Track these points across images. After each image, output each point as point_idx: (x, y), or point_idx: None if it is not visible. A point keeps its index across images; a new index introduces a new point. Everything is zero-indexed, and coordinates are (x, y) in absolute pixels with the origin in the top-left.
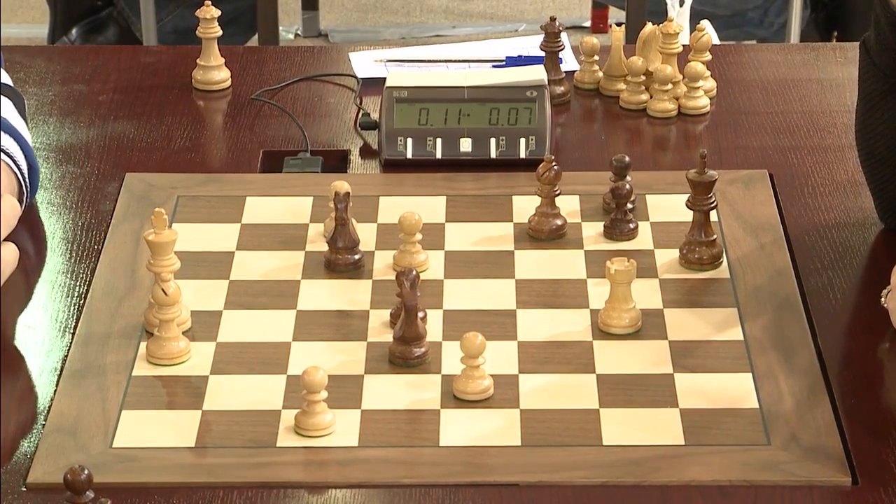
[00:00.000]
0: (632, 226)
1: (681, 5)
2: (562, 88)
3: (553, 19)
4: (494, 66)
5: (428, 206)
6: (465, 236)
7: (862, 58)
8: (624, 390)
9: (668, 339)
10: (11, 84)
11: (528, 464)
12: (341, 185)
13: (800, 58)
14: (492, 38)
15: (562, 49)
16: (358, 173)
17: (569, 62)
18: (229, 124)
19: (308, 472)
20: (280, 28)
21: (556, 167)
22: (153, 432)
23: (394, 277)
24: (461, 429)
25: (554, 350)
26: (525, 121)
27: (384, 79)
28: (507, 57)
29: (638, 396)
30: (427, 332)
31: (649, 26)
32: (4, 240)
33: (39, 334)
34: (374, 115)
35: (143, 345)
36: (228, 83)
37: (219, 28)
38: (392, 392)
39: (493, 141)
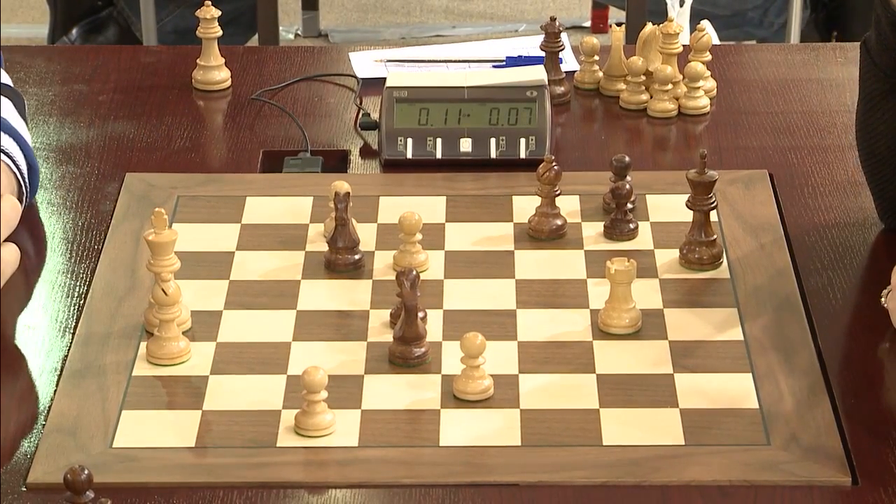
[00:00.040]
0: (632, 226)
1: (681, 5)
2: (562, 88)
3: (553, 19)
4: (494, 67)
5: (428, 206)
6: (465, 236)
7: (862, 58)
8: (624, 390)
9: (669, 339)
10: (11, 84)
11: (528, 464)
12: (341, 185)
13: (800, 58)
14: (492, 38)
15: (562, 49)
16: (358, 173)
17: (569, 62)
18: (229, 124)
19: (308, 472)
20: (280, 28)
21: (556, 167)
22: (153, 432)
23: (394, 277)
24: (461, 429)
25: (554, 350)
26: (525, 121)
27: (384, 79)
28: (507, 57)
29: (638, 396)
30: (427, 332)
31: (649, 26)
32: (5, 240)
33: (39, 334)
34: (374, 115)
35: (143, 345)
36: (228, 83)
37: (219, 28)
38: (392, 392)
39: (493, 141)
